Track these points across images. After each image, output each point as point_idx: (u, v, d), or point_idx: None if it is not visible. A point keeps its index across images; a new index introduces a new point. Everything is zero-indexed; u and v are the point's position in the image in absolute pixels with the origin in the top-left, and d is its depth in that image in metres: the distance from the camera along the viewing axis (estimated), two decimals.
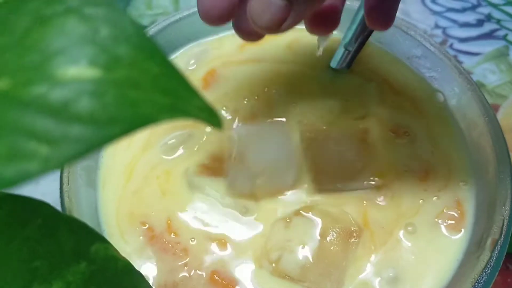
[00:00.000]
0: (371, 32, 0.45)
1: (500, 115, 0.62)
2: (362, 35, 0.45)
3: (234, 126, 0.44)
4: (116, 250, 0.26)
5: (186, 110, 0.18)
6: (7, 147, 0.15)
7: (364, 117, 0.44)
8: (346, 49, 0.47)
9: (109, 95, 0.16)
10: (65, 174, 0.39)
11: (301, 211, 0.39)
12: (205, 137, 0.43)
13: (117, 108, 0.16)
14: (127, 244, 0.38)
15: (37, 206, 0.24)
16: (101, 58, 0.16)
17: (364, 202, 0.40)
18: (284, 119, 0.43)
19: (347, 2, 0.46)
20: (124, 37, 0.17)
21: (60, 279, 0.24)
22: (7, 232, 0.23)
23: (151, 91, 0.17)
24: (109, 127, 0.16)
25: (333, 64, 0.47)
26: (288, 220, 0.39)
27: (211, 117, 0.18)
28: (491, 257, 0.36)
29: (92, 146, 0.16)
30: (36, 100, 0.16)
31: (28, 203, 0.24)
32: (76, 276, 0.24)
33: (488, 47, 0.68)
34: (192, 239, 0.39)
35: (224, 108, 0.45)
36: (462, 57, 0.66)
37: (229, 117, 0.44)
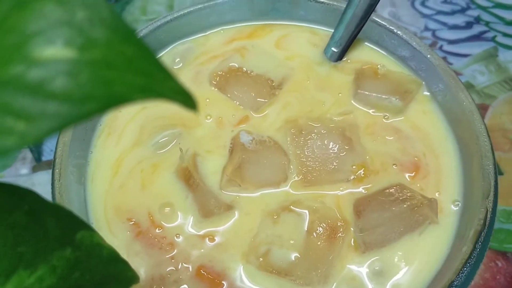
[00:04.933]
0: (359, 30, 0.46)
1: (489, 115, 0.63)
2: (350, 34, 0.46)
3: (235, 128, 0.44)
4: (102, 238, 0.27)
5: (160, 91, 0.18)
6: None
7: (353, 111, 0.45)
8: (332, 50, 0.48)
9: (84, 74, 0.17)
10: (57, 170, 0.39)
11: (288, 206, 0.40)
12: (199, 132, 0.44)
13: (91, 87, 0.17)
14: (116, 238, 0.39)
15: (24, 194, 0.24)
16: (77, 40, 0.17)
17: (351, 197, 0.41)
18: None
19: (335, 3, 0.47)
20: (100, 20, 0.17)
21: (45, 264, 0.24)
22: None
23: (125, 71, 0.18)
24: (83, 104, 0.17)
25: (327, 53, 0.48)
26: (276, 216, 0.39)
27: (186, 100, 0.19)
28: (474, 248, 0.37)
29: (67, 122, 0.16)
30: (13, 79, 0.16)
31: (14, 191, 0.24)
32: (61, 261, 0.25)
33: (477, 48, 0.68)
34: (177, 235, 0.39)
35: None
36: (451, 59, 0.67)
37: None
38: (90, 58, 0.17)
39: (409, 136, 0.44)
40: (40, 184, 0.55)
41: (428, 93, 0.46)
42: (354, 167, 0.41)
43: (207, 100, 0.45)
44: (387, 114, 0.45)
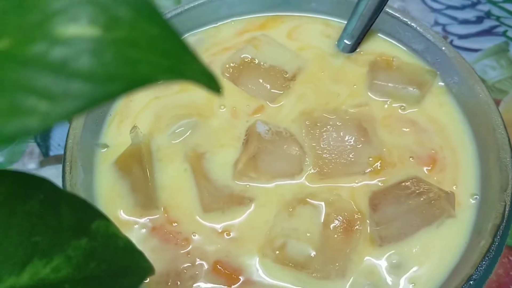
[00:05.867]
0: (372, 23, 0.45)
1: (501, 110, 0.62)
2: (363, 27, 0.46)
3: (250, 118, 0.44)
4: (117, 228, 0.26)
5: (185, 72, 0.18)
6: (7, 103, 0.15)
7: (368, 103, 0.44)
8: (345, 42, 0.47)
9: (109, 53, 0.16)
10: (67, 163, 0.39)
11: (304, 199, 0.39)
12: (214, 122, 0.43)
13: (116, 67, 0.16)
14: (130, 233, 0.39)
15: (39, 183, 0.24)
16: (101, 18, 0.16)
17: (366, 189, 0.40)
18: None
19: None
20: None
21: (61, 254, 0.24)
22: (9, 206, 0.23)
23: (150, 51, 0.17)
24: (108, 84, 0.16)
25: (339, 46, 0.48)
26: (291, 209, 0.39)
27: (211, 82, 0.19)
28: (492, 242, 0.36)
29: (91, 102, 0.16)
30: (36, 58, 0.16)
31: (30, 180, 0.24)
32: (77, 251, 0.24)
33: (488, 43, 0.68)
34: (194, 233, 0.39)
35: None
36: (462, 54, 0.65)
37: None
38: (114, 37, 0.16)
39: (425, 129, 0.43)
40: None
41: (443, 84, 0.46)
42: (370, 159, 0.41)
43: (217, 94, 0.44)
44: (404, 105, 0.44)
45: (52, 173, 0.56)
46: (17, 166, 0.56)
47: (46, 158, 0.57)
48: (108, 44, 0.16)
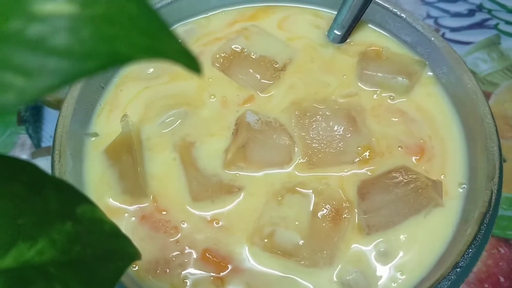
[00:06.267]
0: (362, 13, 0.45)
1: (491, 102, 0.63)
2: (353, 17, 0.46)
3: (240, 108, 0.44)
4: (103, 213, 0.26)
5: (163, 51, 0.18)
6: None
7: (358, 93, 0.44)
8: (335, 33, 0.47)
9: (86, 30, 0.16)
10: (56, 152, 0.39)
11: (293, 188, 0.39)
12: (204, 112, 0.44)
13: (93, 44, 0.16)
14: (119, 221, 0.39)
15: (23, 166, 0.24)
16: None
17: (355, 178, 0.40)
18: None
19: None
20: None
21: (46, 237, 0.24)
22: None
23: (128, 29, 0.17)
24: (85, 61, 0.16)
25: (330, 37, 0.48)
26: (280, 198, 0.39)
27: (190, 62, 0.18)
28: (478, 230, 0.36)
29: (68, 79, 0.16)
30: (12, 34, 0.16)
31: (13, 162, 0.24)
32: (62, 235, 0.24)
33: (479, 36, 0.68)
34: (183, 221, 0.39)
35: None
36: (453, 47, 0.65)
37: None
38: (92, 14, 0.16)
39: (414, 119, 0.43)
40: None
41: (432, 74, 0.46)
42: (359, 148, 0.41)
43: (210, 80, 0.45)
44: (393, 95, 0.44)
45: (44, 164, 0.55)
46: None
47: (38, 149, 0.57)
48: (85, 21, 0.16)
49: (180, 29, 0.48)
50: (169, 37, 0.18)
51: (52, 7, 0.16)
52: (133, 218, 0.39)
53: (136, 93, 0.44)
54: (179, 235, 0.38)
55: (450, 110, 0.44)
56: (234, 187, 0.40)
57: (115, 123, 0.42)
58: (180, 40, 0.18)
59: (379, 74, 0.44)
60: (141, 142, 0.41)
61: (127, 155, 0.40)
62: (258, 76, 0.45)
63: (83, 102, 0.42)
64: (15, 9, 0.16)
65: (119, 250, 0.27)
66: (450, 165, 0.41)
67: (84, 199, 0.26)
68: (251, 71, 0.45)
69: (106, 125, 0.43)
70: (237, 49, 0.45)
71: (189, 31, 0.48)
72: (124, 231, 0.31)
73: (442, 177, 0.41)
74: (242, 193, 0.40)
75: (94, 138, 0.42)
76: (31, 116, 0.59)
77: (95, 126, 0.43)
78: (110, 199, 0.40)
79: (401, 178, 0.39)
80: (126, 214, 0.39)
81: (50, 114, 0.59)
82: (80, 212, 0.25)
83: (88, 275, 0.25)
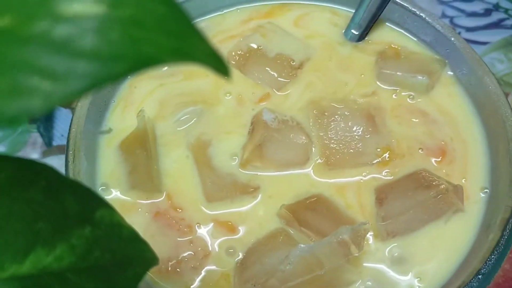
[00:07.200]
0: (380, 13, 0.45)
1: None
2: (371, 17, 0.45)
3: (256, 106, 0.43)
4: (122, 217, 0.26)
5: (192, 54, 0.17)
6: (9, 83, 0.15)
7: (377, 92, 0.43)
8: (352, 32, 0.46)
9: (113, 32, 0.16)
10: (70, 152, 0.38)
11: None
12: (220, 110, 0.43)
13: (120, 46, 0.15)
14: (132, 218, 0.38)
15: (41, 169, 0.23)
16: None
17: (374, 183, 0.39)
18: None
19: None
20: None
21: (64, 242, 0.23)
22: (10, 193, 0.22)
23: (156, 31, 0.16)
24: (113, 64, 0.15)
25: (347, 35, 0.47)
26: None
27: (219, 65, 0.18)
28: (501, 236, 0.35)
29: (95, 82, 0.15)
30: (38, 36, 0.15)
31: (31, 166, 0.23)
32: (81, 240, 0.23)
33: (495, 36, 0.67)
34: (198, 223, 0.38)
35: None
36: None
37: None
38: (119, 15, 0.16)
39: (435, 120, 0.42)
40: None
41: (451, 73, 0.45)
42: (379, 150, 0.40)
43: (226, 77, 0.44)
44: (412, 94, 0.43)
45: (55, 163, 0.55)
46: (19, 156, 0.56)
47: (49, 148, 0.56)
48: (113, 23, 0.16)
49: None
50: (198, 38, 0.17)
51: (79, 7, 0.15)
52: (147, 214, 0.39)
53: (151, 91, 0.44)
54: (193, 235, 0.38)
55: (471, 111, 0.43)
56: (249, 187, 0.39)
57: (129, 119, 0.42)
58: (209, 42, 0.18)
59: (398, 73, 0.43)
60: (156, 138, 0.41)
61: (141, 149, 0.39)
62: (275, 74, 0.44)
63: (97, 101, 0.42)
64: (40, 10, 0.15)
65: (137, 255, 0.27)
66: (471, 169, 0.40)
67: (102, 203, 0.25)
68: (268, 69, 0.44)
69: (120, 121, 0.43)
70: (254, 47, 0.45)
71: (203, 28, 0.47)
72: (136, 227, 0.31)
73: (463, 181, 0.40)
74: (260, 195, 0.39)
75: (107, 134, 0.42)
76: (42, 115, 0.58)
77: (109, 122, 0.43)
78: (120, 193, 0.39)
79: (421, 183, 0.38)
80: (140, 209, 0.39)
81: (61, 113, 0.58)
82: (99, 217, 0.25)
83: (107, 282, 0.24)
